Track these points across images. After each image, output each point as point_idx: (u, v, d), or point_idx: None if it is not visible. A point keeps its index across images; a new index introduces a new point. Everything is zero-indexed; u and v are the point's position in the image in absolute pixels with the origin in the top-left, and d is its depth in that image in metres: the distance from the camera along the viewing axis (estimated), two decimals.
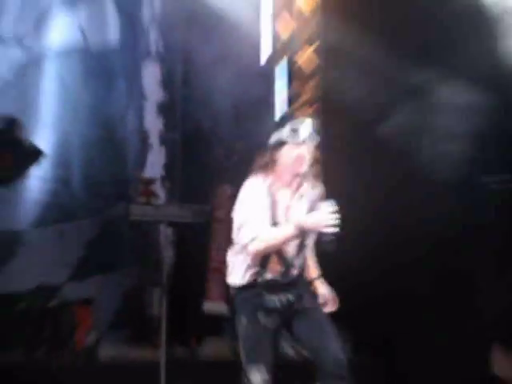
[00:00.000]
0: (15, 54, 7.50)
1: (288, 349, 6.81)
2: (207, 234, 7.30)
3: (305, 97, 7.66)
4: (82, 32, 7.74)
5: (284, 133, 4.44)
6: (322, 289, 4.57)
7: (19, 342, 6.63)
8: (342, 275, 5.44)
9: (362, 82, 6.59)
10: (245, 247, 4.35)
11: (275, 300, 4.43)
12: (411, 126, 6.34)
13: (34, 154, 6.58)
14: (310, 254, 4.61)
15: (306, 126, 4.47)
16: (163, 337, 6.05)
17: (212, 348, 6.88)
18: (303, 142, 4.40)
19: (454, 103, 5.99)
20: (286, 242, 4.34)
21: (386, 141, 6.53)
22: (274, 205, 4.41)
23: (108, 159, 7.54)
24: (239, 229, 4.38)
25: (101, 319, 7.12)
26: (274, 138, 4.49)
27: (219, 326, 6.76)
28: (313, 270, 4.63)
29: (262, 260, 4.38)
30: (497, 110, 5.88)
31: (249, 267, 4.40)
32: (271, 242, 4.31)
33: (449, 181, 6.08)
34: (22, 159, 7.04)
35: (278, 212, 4.40)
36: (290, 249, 4.45)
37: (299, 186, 4.49)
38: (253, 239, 4.29)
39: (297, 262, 4.48)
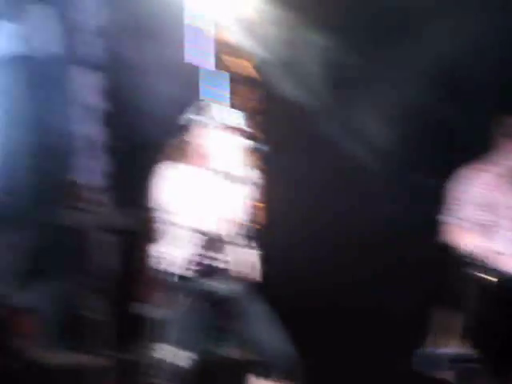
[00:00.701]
0: None
1: (232, 350, 6.87)
2: (148, 239, 7.29)
3: (243, 106, 7.74)
4: (26, 39, 7.73)
5: (191, 113, 4.41)
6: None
7: None
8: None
9: (299, 90, 6.68)
10: (171, 237, 4.32)
11: (214, 285, 4.35)
12: (347, 129, 6.46)
13: None
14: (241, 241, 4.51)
15: (213, 106, 4.47)
16: (106, 342, 6.06)
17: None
18: (211, 120, 4.36)
19: (384, 106, 6.11)
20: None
21: (323, 143, 6.63)
22: (190, 188, 4.33)
23: (50, 167, 7.52)
24: (159, 217, 4.35)
25: (44, 327, 7.09)
26: (181, 120, 4.44)
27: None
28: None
29: (194, 247, 4.30)
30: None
31: (182, 255, 4.33)
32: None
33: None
34: None
35: (196, 194, 4.32)
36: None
37: (213, 165, 4.40)
38: (176, 226, 4.26)
39: (229, 250, 4.41)
